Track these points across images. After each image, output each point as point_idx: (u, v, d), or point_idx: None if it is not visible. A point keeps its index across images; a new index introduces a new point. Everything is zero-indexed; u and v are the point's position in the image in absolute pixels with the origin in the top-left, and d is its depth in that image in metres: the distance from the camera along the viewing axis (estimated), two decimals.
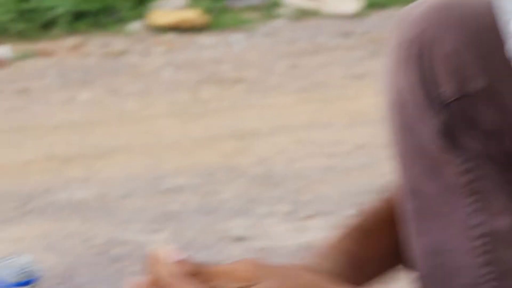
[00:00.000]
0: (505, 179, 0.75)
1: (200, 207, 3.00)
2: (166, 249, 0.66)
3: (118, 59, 4.71)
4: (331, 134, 3.82)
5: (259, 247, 2.66)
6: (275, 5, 5.28)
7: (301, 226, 2.84)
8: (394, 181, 0.82)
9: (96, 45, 4.81)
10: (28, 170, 3.31)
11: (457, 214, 0.74)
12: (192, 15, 5.05)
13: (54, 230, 2.80)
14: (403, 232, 0.77)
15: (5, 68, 4.46)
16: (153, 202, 3.05)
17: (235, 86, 4.50)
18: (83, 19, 4.95)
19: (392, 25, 0.85)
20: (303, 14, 5.17)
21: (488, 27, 0.71)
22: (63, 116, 3.96)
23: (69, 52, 4.71)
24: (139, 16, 5.08)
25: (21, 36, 4.74)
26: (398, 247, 0.77)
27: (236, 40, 4.91)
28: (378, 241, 0.77)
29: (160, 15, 5.04)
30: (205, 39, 4.92)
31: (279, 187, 3.23)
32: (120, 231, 2.76)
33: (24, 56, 4.55)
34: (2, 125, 3.80)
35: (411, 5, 0.78)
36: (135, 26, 5.01)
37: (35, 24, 4.81)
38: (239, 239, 2.70)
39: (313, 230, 2.80)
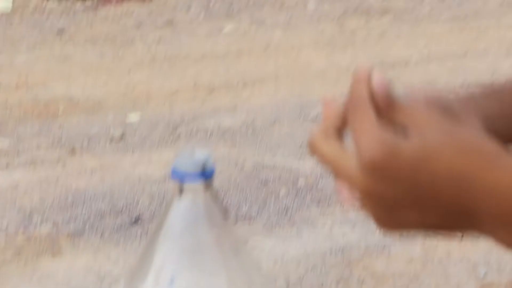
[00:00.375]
0: None
1: (348, 135, 2.93)
2: (371, 71, 0.64)
3: None
4: (487, 63, 3.66)
5: None
6: None
7: None
8: None
9: None
10: (176, 99, 3.32)
11: None
12: None
13: None
14: None
15: (151, 2, 4.49)
16: (300, 129, 2.99)
17: (383, 16, 4.38)
18: None
19: None
20: None
21: None
22: (208, 47, 3.96)
23: None
24: None
25: None
26: None
27: None
28: None
29: None
30: None
31: None
32: (268, 156, 2.73)
33: None
34: (150, 56, 3.83)
35: None
36: None
37: None
38: None
39: None
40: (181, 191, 0.99)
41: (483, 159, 0.60)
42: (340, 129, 0.65)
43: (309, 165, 2.62)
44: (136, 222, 2.17)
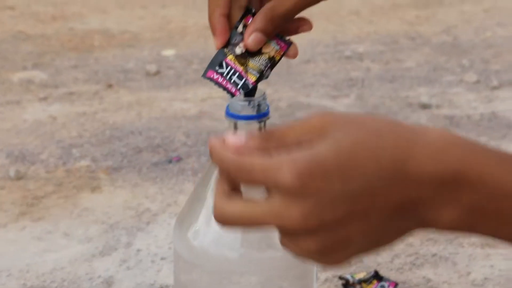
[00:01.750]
0: None
1: (383, 74, 2.93)
2: (224, 137, 0.59)
3: None
4: None
5: (445, 115, 2.58)
6: None
7: (488, 95, 2.73)
8: None
9: None
10: (210, 34, 3.32)
11: None
12: None
13: None
14: None
15: None
16: (335, 67, 3.00)
17: None
18: None
19: None
20: None
21: None
22: None
23: None
24: None
25: None
26: None
27: None
28: None
29: None
30: None
31: (466, 56, 3.10)
32: (303, 95, 2.74)
33: None
34: None
35: None
36: None
37: None
38: (425, 106, 2.62)
39: (501, 100, 2.69)
40: (235, 128, 1.01)
41: (404, 136, 0.58)
42: (237, 184, 0.61)
43: (343, 104, 2.63)
44: (172, 161, 2.21)
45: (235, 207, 0.58)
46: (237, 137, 0.58)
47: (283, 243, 0.57)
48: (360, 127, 0.55)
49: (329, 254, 0.57)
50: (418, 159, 0.55)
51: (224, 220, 0.56)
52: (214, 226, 0.98)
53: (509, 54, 3.09)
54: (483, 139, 2.38)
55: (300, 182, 0.55)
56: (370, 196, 0.54)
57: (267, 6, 0.74)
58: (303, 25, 0.80)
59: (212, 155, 0.57)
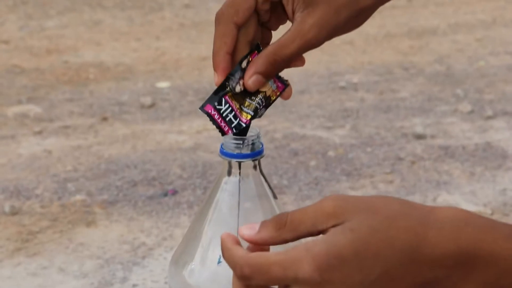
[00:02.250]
0: None
1: (378, 104, 2.94)
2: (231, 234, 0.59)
3: None
4: None
5: (440, 145, 2.58)
6: None
7: (483, 125, 2.74)
8: None
9: None
10: (205, 66, 3.34)
11: None
12: None
13: None
14: None
15: None
16: (330, 98, 3.01)
17: None
18: None
19: None
20: None
21: None
22: None
23: None
24: None
25: None
26: None
27: None
28: None
29: None
30: None
31: (460, 85, 3.12)
32: (298, 126, 2.75)
33: None
34: (178, 22, 3.84)
35: None
36: None
37: None
38: (420, 137, 2.63)
39: (495, 130, 2.69)
40: (230, 168, 1.01)
41: (417, 219, 0.58)
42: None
43: (339, 135, 2.64)
44: (167, 194, 2.20)
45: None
46: (250, 229, 0.58)
47: None
48: (374, 214, 0.55)
49: None
50: (432, 241, 0.55)
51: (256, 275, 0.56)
52: (210, 265, 0.97)
53: (502, 84, 3.11)
54: (478, 169, 2.38)
55: (320, 274, 0.55)
56: (388, 282, 0.55)
57: (269, 49, 0.74)
58: (297, 61, 0.80)
59: (225, 255, 0.58)
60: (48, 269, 1.84)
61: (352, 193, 2.28)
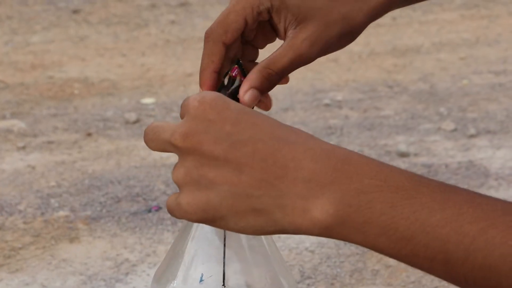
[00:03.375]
0: None
1: (361, 122, 2.95)
2: None
3: None
4: (499, 51, 3.67)
5: (423, 163, 2.59)
6: None
7: (466, 144, 2.76)
8: None
9: None
10: (191, 82, 3.34)
11: None
12: None
13: None
14: None
15: None
16: (314, 115, 3.02)
17: None
18: None
19: None
20: None
21: None
22: None
23: None
24: None
25: None
26: None
27: None
28: None
29: None
30: None
31: (443, 104, 3.13)
32: None
33: None
34: (164, 38, 3.85)
35: None
36: None
37: None
38: (403, 155, 2.64)
39: (478, 148, 2.71)
40: None
41: (296, 133, 0.61)
42: None
43: None
44: (151, 211, 2.21)
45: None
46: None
47: (173, 168, 0.62)
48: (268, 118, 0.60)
49: (191, 189, 0.60)
50: (303, 141, 0.58)
51: (147, 128, 0.63)
52: (192, 283, 0.97)
53: (485, 102, 3.13)
54: None
55: (201, 106, 0.59)
56: (251, 152, 0.57)
57: (262, 64, 0.76)
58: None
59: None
60: (31, 285, 1.84)
61: None
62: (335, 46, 0.76)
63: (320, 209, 0.57)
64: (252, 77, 0.74)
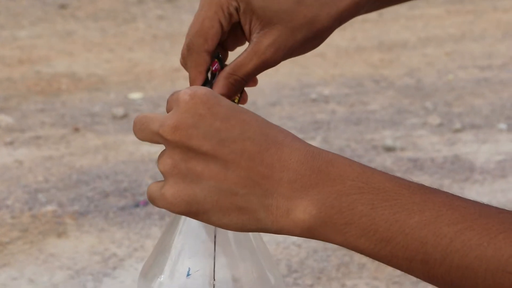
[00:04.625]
0: None
1: (348, 116, 2.96)
2: None
3: None
4: (484, 46, 3.69)
5: (409, 157, 2.61)
6: None
7: (451, 138, 2.77)
8: None
9: None
10: (178, 77, 3.35)
11: None
12: None
13: None
14: None
15: None
16: (301, 110, 3.03)
17: None
18: None
19: None
20: None
21: None
22: None
23: None
24: None
25: None
26: None
27: None
28: None
29: None
30: None
31: (429, 98, 3.15)
32: None
33: None
34: (152, 33, 3.85)
35: None
36: None
37: None
38: (389, 149, 2.66)
39: (463, 143, 2.73)
40: None
41: (284, 133, 0.62)
42: None
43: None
44: (139, 205, 2.22)
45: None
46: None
47: (159, 157, 0.62)
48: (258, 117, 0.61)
49: (177, 181, 0.61)
50: (289, 145, 0.59)
51: (136, 119, 0.63)
52: (179, 278, 0.98)
53: (470, 97, 3.15)
54: (446, 182, 2.41)
55: (192, 100, 0.59)
56: (240, 150, 0.58)
57: (227, 70, 0.76)
58: (250, 81, 0.82)
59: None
60: (18, 280, 1.84)
61: None
62: (300, 50, 0.77)
63: (303, 210, 0.58)
64: (219, 84, 0.75)
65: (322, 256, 2.00)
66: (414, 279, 1.90)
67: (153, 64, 3.48)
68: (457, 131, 2.83)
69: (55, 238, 2.04)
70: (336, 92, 3.22)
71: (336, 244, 0.59)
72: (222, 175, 0.60)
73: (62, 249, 1.99)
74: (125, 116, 2.92)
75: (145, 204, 2.23)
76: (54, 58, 3.52)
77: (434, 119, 2.91)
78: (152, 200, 0.64)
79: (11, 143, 2.67)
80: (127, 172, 2.43)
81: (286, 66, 3.43)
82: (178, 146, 0.61)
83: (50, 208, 2.21)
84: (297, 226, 0.59)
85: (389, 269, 1.94)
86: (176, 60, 3.71)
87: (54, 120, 2.88)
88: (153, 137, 0.63)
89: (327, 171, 0.58)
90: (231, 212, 0.61)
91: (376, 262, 1.90)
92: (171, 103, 0.63)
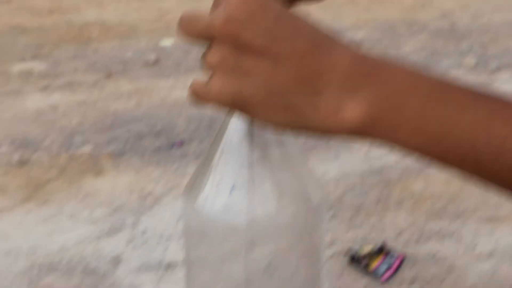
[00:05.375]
0: None
1: None
2: None
3: None
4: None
5: None
6: None
7: (488, 78, 2.74)
8: None
9: None
10: None
11: None
12: None
13: None
14: None
15: None
16: None
17: None
18: None
19: None
20: None
21: None
22: None
23: None
24: None
25: None
26: None
27: None
28: None
29: None
30: None
31: (464, 41, 3.11)
32: None
33: None
34: None
35: None
36: None
37: None
38: None
39: (501, 82, 2.70)
40: None
41: (335, 36, 0.61)
42: None
43: None
44: (174, 146, 2.21)
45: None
46: None
47: (205, 54, 0.61)
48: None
49: (225, 75, 0.58)
50: (340, 44, 0.59)
51: (183, 14, 0.61)
52: (223, 192, 0.97)
53: (505, 39, 3.10)
54: None
55: None
56: (291, 48, 0.57)
57: None
58: None
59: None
60: (58, 216, 1.85)
61: (357, 143, 2.29)
62: None
63: (352, 109, 0.58)
64: None
65: (361, 192, 1.99)
66: (451, 211, 1.89)
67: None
68: (493, 71, 2.80)
69: (93, 178, 2.04)
70: (369, 36, 3.19)
71: (386, 143, 0.58)
72: (272, 72, 0.59)
73: (100, 187, 1.99)
74: (156, 62, 2.91)
75: (181, 145, 2.23)
76: (84, 8, 3.52)
77: (470, 60, 2.87)
78: (196, 94, 0.62)
79: (45, 89, 2.68)
80: (161, 115, 2.43)
81: (318, 12, 3.40)
82: (228, 40, 0.59)
83: (86, 149, 2.21)
84: (344, 125, 0.58)
85: (428, 203, 1.93)
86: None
87: (87, 67, 2.88)
88: (202, 31, 0.62)
89: (377, 73, 0.57)
90: (278, 110, 0.60)
91: (415, 197, 1.87)
92: (219, 1, 0.62)
